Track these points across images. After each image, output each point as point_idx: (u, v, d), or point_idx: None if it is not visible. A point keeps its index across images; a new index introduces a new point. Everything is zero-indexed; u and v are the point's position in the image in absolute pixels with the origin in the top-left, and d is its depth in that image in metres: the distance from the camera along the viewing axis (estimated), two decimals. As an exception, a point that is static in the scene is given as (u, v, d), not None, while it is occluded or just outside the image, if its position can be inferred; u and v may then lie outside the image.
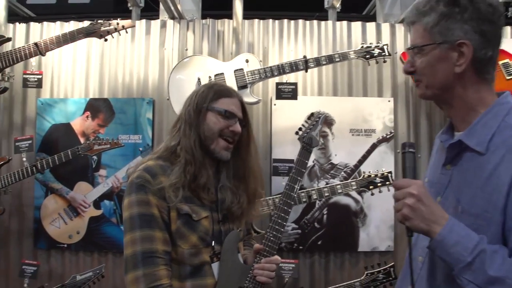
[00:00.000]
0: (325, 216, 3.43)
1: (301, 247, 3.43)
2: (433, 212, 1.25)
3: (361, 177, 3.14)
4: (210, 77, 3.14)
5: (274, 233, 1.73)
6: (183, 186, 1.59)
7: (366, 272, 3.12)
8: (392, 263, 3.15)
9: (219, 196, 1.70)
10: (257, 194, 1.80)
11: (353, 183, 3.12)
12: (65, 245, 3.46)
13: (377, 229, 3.47)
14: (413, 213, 1.25)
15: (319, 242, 3.43)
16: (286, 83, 3.29)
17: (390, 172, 3.18)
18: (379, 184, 3.13)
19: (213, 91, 1.71)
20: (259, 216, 2.00)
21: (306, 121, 1.87)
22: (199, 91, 1.73)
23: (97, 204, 3.49)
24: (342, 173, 3.46)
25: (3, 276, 3.55)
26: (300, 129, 1.87)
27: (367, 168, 3.33)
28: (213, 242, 1.65)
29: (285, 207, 1.77)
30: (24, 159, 3.26)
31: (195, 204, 1.63)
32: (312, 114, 1.90)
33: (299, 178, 1.79)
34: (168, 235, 1.58)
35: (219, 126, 1.68)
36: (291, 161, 3.16)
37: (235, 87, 3.12)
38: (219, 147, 1.69)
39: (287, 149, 3.40)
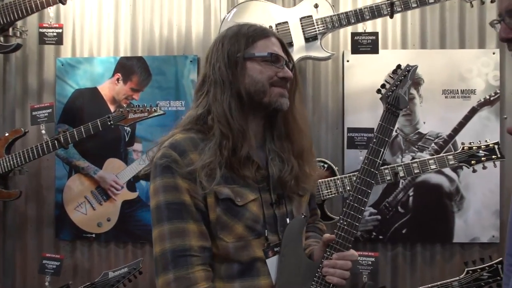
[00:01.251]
0: (411, 199, 3.06)
1: (381, 237, 3.07)
2: None
3: (460, 150, 2.70)
4: (270, 27, 2.75)
5: (349, 220, 1.49)
6: (220, 165, 1.40)
7: (466, 269, 2.65)
8: (500, 259, 2.66)
9: (270, 171, 1.49)
10: (306, 151, 1.58)
11: (450, 157, 2.68)
12: (93, 235, 3.21)
13: (477, 215, 3.02)
14: None
15: (404, 231, 3.06)
16: (365, 33, 2.87)
17: (497, 143, 2.69)
18: (483, 159, 2.67)
19: (244, 36, 1.49)
20: (317, 178, 1.71)
21: (390, 76, 1.61)
22: (224, 40, 1.50)
23: (131, 185, 3.20)
24: (433, 145, 3.05)
25: (21, 272, 3.29)
26: (383, 86, 1.60)
27: (465, 139, 2.87)
28: (266, 231, 1.45)
29: (364, 187, 1.51)
30: (43, 131, 2.93)
31: (239, 185, 1.43)
32: (399, 66, 1.62)
33: (382, 150, 1.52)
34: (205, 226, 1.40)
35: (267, 74, 1.47)
36: (369, 130, 2.82)
37: (301, 39, 2.79)
38: (275, 95, 1.48)
39: (363, 115, 3.04)
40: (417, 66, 1.61)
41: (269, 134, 1.55)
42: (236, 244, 1.41)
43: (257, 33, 1.51)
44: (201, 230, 1.38)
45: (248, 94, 1.46)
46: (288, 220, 1.50)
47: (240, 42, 1.48)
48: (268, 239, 1.45)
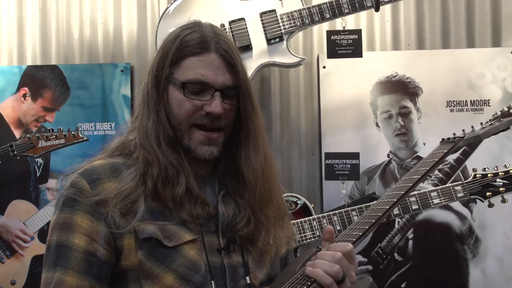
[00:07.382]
0: (410, 243, 2.87)
1: (373, 293, 2.75)
2: None
3: (471, 178, 2.51)
4: (223, 25, 2.66)
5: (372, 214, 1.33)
6: (144, 195, 1.27)
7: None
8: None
9: (219, 209, 1.33)
10: (280, 210, 1.41)
11: (459, 187, 2.51)
12: (-9, 307, 2.95)
13: (499, 262, 2.82)
14: None
15: (403, 285, 2.84)
16: (344, 32, 2.73)
17: (520, 168, 2.51)
18: (502, 189, 2.50)
19: (176, 45, 1.33)
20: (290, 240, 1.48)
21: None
22: (162, 46, 1.37)
23: (45, 234, 2.92)
24: (436, 172, 2.88)
25: None
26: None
27: (477, 164, 2.63)
28: (212, 283, 1.28)
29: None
30: None
31: (172, 222, 1.29)
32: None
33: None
34: (98, 281, 1.24)
35: (185, 109, 1.31)
36: (354, 155, 2.70)
37: (262, 40, 2.66)
38: (195, 141, 1.32)
39: (346, 137, 2.88)
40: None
41: (223, 166, 1.43)
42: None
43: (188, 46, 1.32)
44: (80, 287, 1.26)
45: (171, 127, 1.34)
46: (242, 272, 1.34)
47: (169, 53, 1.33)
48: None
